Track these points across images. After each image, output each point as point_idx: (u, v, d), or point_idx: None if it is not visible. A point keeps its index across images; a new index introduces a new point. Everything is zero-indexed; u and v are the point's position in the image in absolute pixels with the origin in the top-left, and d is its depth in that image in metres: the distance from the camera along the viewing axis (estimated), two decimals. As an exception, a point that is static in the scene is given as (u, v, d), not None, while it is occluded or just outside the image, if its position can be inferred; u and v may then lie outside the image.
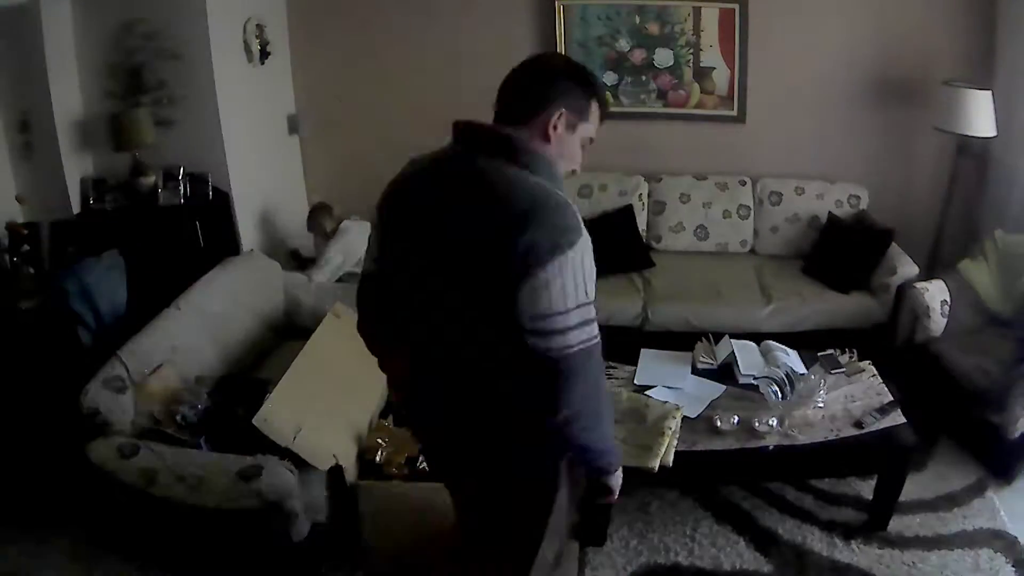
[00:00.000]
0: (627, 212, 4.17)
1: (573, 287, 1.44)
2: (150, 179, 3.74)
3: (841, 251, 3.92)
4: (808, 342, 3.30)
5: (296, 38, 4.43)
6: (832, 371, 3.01)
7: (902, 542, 2.76)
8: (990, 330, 3.42)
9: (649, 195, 4.26)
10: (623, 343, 3.33)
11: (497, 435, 1.62)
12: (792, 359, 3.04)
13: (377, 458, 2.66)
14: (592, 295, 1.49)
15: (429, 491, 2.54)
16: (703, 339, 3.22)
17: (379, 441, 2.73)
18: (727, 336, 3.19)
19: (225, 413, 2.71)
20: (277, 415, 2.51)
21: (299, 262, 4.24)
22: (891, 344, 3.61)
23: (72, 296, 3.08)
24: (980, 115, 3.66)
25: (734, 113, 4.29)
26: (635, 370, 3.07)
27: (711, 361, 3.11)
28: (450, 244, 1.50)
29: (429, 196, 1.57)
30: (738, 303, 3.77)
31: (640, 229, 4.21)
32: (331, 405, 2.72)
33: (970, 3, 3.94)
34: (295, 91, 4.53)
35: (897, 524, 2.82)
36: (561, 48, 4.23)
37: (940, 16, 3.97)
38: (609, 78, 4.29)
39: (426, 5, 4.29)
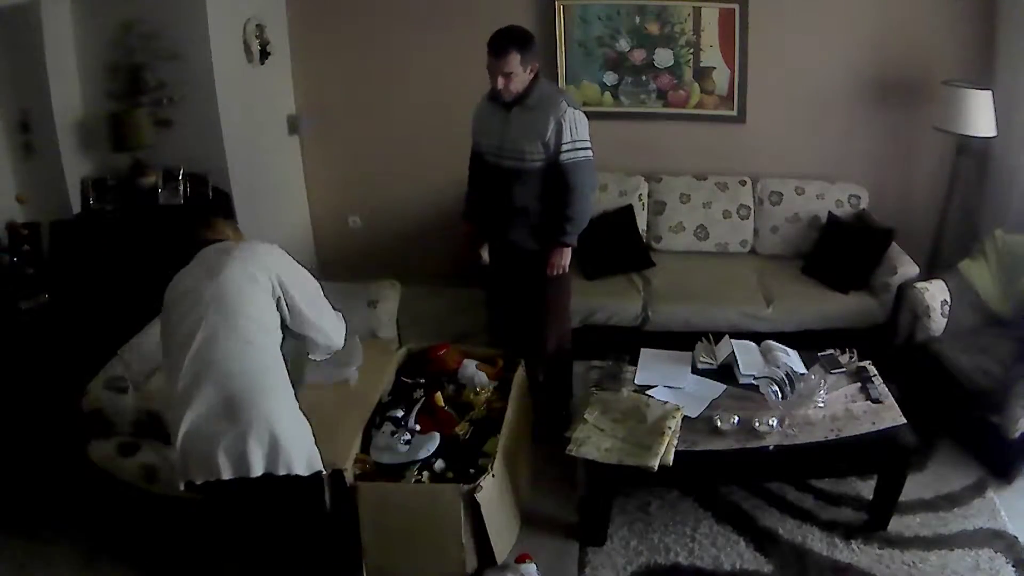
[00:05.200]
0: (627, 212, 4.17)
1: None
2: (150, 179, 3.74)
3: (841, 251, 3.91)
4: (808, 342, 3.31)
5: (296, 38, 4.43)
6: (832, 371, 3.01)
7: (902, 542, 2.76)
8: (990, 330, 3.42)
9: (649, 195, 4.25)
10: (623, 343, 3.35)
11: None
12: (792, 359, 3.05)
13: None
14: None
15: (429, 491, 2.54)
16: (703, 339, 3.22)
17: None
18: (727, 336, 3.19)
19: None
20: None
21: None
22: (891, 344, 3.62)
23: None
24: (980, 115, 3.67)
25: (734, 113, 4.28)
26: (635, 370, 3.08)
27: (711, 361, 3.11)
28: None
29: None
30: (738, 303, 3.77)
31: (640, 229, 4.20)
32: (331, 409, 2.72)
33: (970, 3, 3.94)
34: (295, 91, 4.53)
35: (897, 524, 2.82)
36: (561, 48, 4.24)
37: (940, 16, 3.97)
38: (609, 78, 4.29)
39: (426, 5, 4.29)
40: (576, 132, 2.89)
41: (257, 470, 1.94)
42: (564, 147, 2.88)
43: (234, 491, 1.98)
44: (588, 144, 2.94)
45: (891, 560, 2.68)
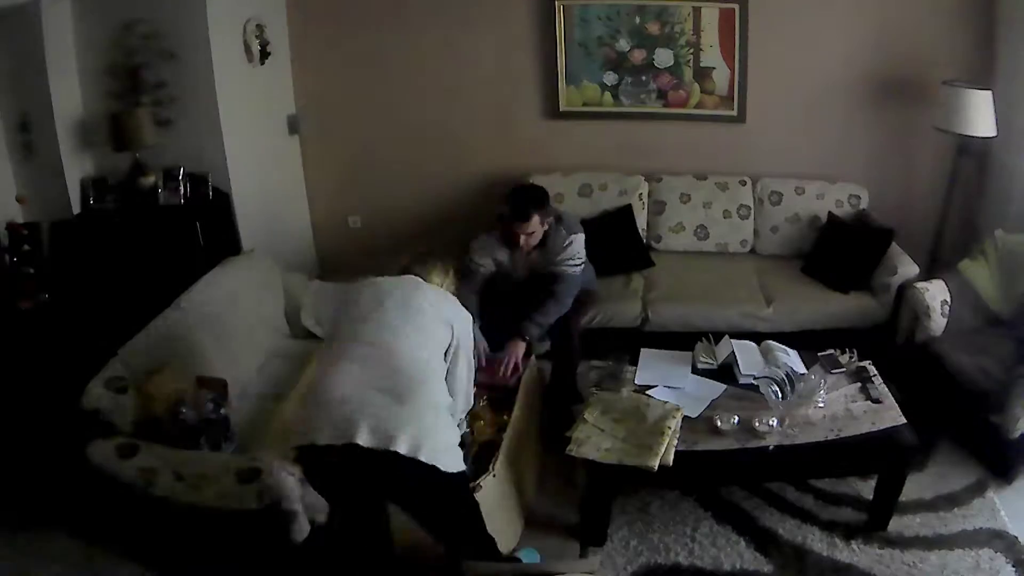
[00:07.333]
0: (627, 212, 4.17)
1: None
2: (150, 179, 3.74)
3: (841, 251, 3.91)
4: (808, 342, 3.30)
5: (296, 38, 4.43)
6: (832, 371, 3.01)
7: (902, 542, 2.76)
8: (990, 330, 3.42)
9: (649, 195, 4.26)
10: (623, 343, 3.35)
11: None
12: (792, 359, 3.05)
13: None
14: None
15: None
16: (703, 339, 3.22)
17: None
18: (727, 336, 3.19)
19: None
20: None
21: None
22: (891, 344, 3.61)
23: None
24: (980, 115, 3.66)
25: (734, 113, 4.28)
26: (635, 370, 3.08)
27: (711, 361, 3.11)
28: None
29: None
30: (738, 303, 3.77)
31: (640, 229, 4.21)
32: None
33: (970, 3, 3.94)
34: (295, 91, 4.52)
35: (897, 524, 2.82)
36: (561, 48, 4.24)
37: (940, 16, 3.97)
38: (609, 78, 4.29)
39: (426, 5, 4.29)
40: (572, 251, 3.21)
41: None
42: (565, 259, 3.21)
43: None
44: (582, 260, 3.26)
45: (891, 560, 2.68)
